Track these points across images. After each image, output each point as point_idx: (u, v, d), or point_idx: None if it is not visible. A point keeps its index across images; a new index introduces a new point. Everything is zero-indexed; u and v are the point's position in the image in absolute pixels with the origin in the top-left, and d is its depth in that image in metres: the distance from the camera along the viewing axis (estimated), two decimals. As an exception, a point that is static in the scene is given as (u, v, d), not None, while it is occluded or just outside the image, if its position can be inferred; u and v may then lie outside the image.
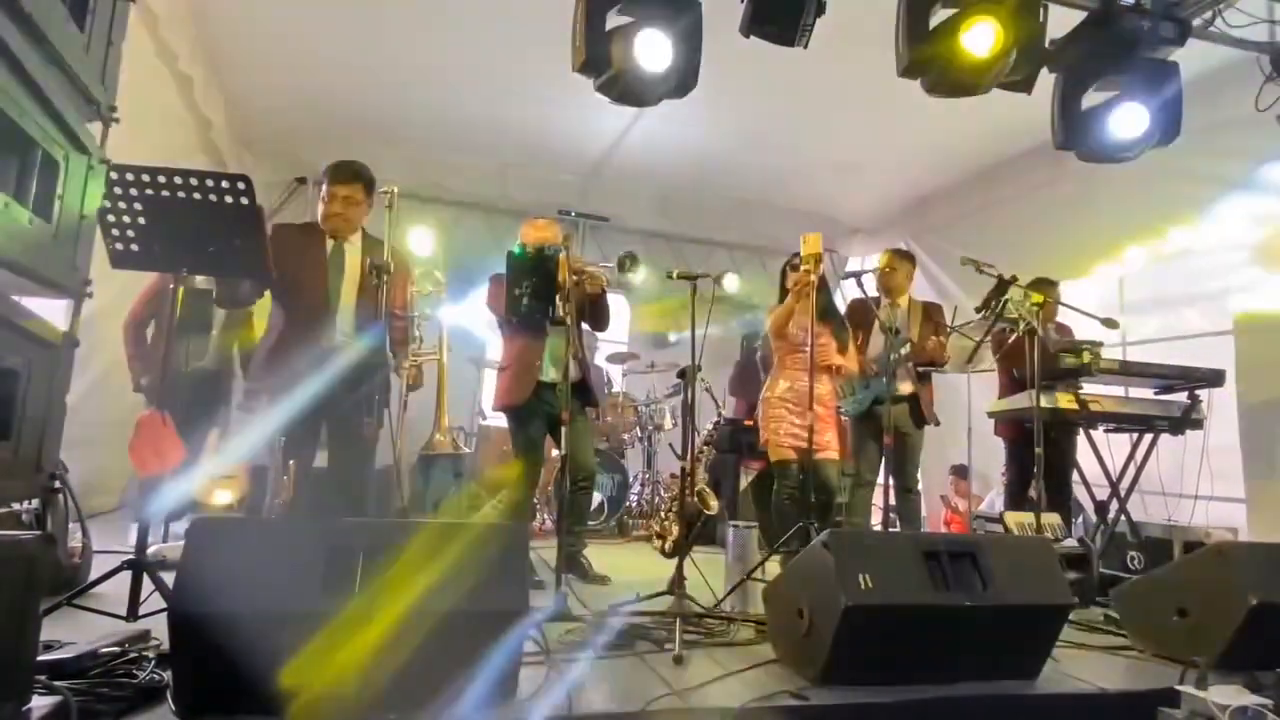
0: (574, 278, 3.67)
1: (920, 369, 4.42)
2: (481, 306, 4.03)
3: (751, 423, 6.06)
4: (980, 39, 3.01)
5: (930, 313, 4.61)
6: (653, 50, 2.94)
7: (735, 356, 7.38)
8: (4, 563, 1.37)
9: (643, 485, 6.39)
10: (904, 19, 3.01)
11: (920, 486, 4.58)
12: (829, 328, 3.99)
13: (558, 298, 3.34)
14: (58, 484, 1.56)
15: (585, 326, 3.97)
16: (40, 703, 1.51)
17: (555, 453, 4.81)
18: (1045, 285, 4.66)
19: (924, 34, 3.01)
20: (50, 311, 1.57)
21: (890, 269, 4.53)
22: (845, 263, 8.11)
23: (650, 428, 6.37)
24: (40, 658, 1.64)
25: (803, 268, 3.65)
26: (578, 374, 3.81)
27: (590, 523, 4.93)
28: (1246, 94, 3.89)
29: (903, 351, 4.23)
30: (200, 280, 3.90)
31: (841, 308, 4.55)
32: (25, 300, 1.45)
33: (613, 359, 6.80)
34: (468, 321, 6.59)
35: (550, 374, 3.78)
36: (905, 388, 4.34)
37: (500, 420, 6.08)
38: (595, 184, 7.34)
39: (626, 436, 6.42)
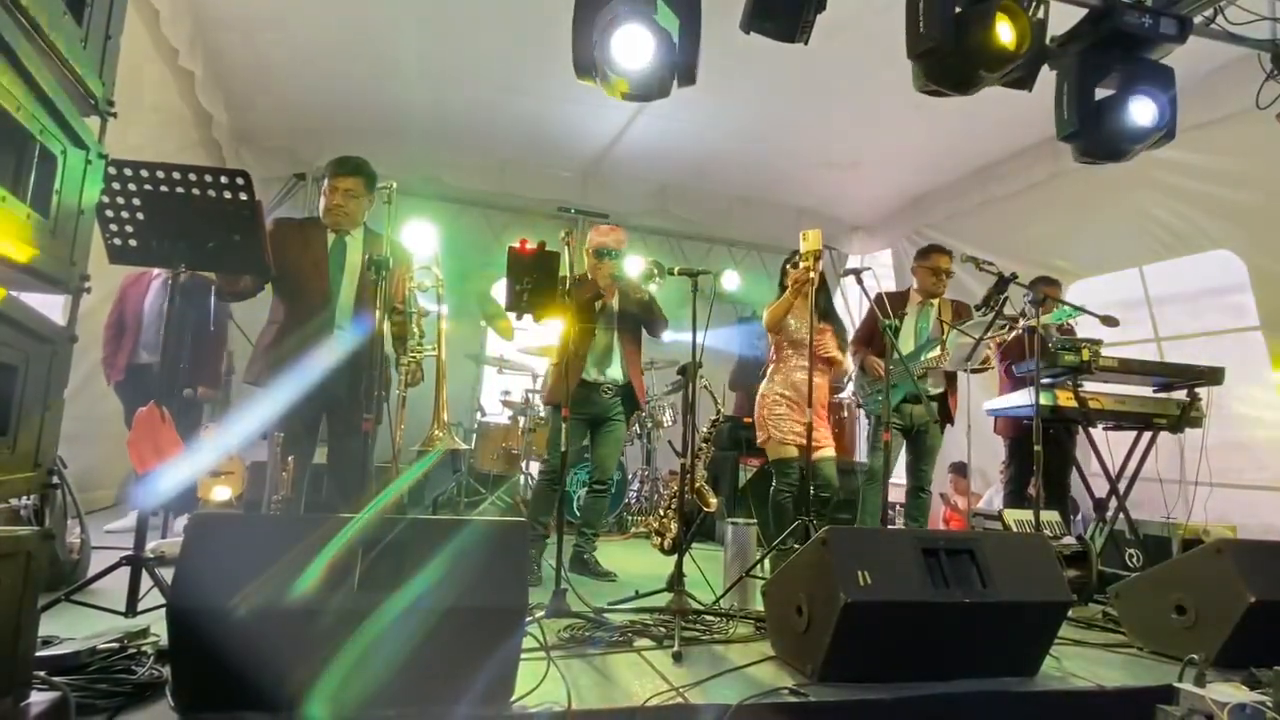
0: (615, 285, 3.76)
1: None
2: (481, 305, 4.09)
3: (751, 420, 6.06)
4: (1007, 33, 2.98)
5: (960, 312, 4.57)
6: (629, 47, 2.88)
7: (734, 354, 7.39)
8: (3, 558, 1.37)
9: (641, 482, 6.40)
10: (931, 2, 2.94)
11: (895, 480, 4.57)
12: (829, 327, 4.01)
13: (601, 302, 3.37)
14: (55, 479, 1.56)
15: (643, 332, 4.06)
16: (39, 698, 1.51)
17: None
18: (1047, 284, 4.66)
19: (950, 18, 2.93)
20: (46, 306, 1.56)
21: (950, 272, 4.50)
22: (845, 260, 8.11)
23: (649, 425, 6.37)
24: (38, 653, 1.64)
25: (802, 264, 3.66)
26: (624, 378, 3.87)
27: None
28: (1247, 91, 3.88)
29: (935, 353, 4.23)
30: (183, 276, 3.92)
31: (841, 305, 4.56)
32: (22, 295, 1.44)
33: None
34: (466, 317, 6.57)
35: (592, 374, 3.81)
36: (935, 387, 4.34)
37: (499, 417, 6.12)
38: (594, 180, 7.33)
39: (626, 433, 6.42)
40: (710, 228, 7.91)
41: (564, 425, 3.17)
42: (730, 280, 7.46)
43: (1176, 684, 2.07)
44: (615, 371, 3.91)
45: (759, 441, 4.09)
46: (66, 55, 1.39)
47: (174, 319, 2.70)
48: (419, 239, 6.05)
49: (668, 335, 4.03)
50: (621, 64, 2.89)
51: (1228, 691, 1.94)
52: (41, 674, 1.60)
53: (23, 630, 1.44)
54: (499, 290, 5.09)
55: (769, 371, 4.13)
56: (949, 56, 2.96)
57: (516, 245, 3.18)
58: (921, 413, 4.30)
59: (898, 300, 4.48)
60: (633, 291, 3.79)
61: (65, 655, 1.76)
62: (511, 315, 3.11)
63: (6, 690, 1.39)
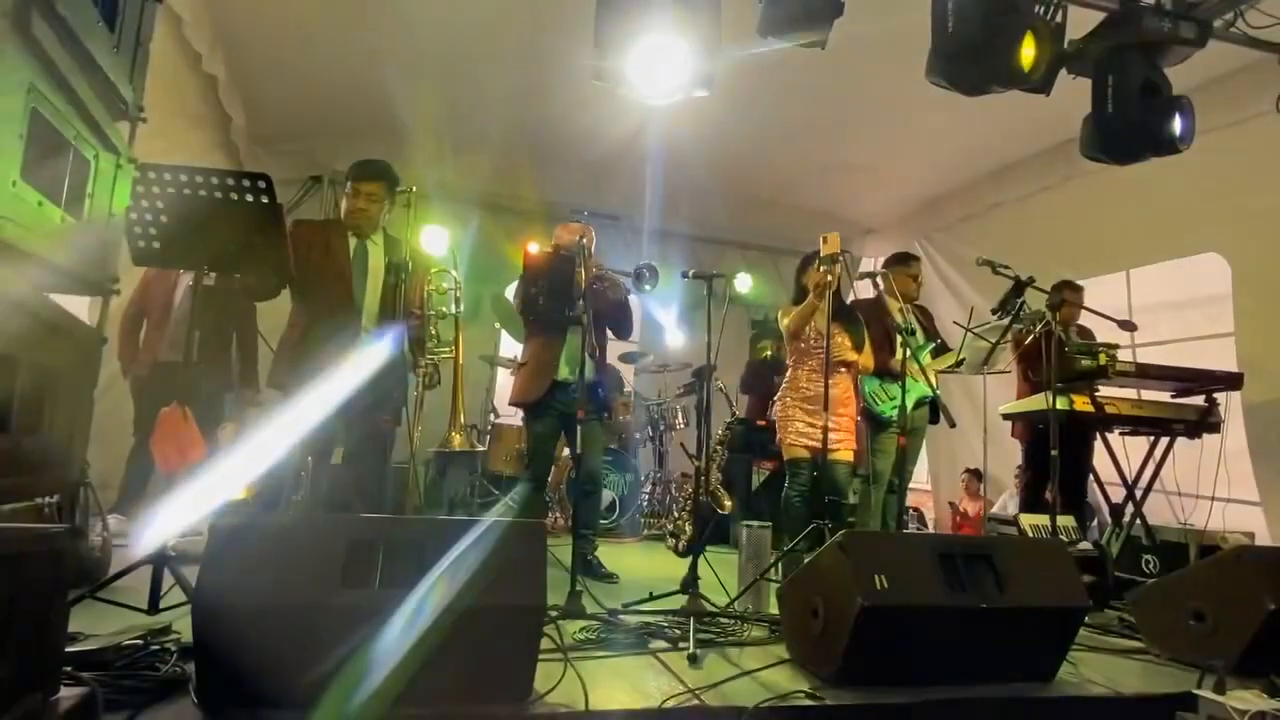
0: (594, 283, 3.72)
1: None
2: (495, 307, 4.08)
3: (765, 423, 6.06)
4: (1029, 53, 2.97)
5: (925, 313, 4.60)
6: (648, 54, 2.90)
7: (746, 356, 7.39)
8: (33, 555, 1.39)
9: (654, 485, 6.40)
10: None
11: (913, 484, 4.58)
12: (843, 326, 3.99)
13: (580, 299, 3.37)
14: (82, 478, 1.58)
15: (609, 333, 4.01)
16: (67, 693, 1.53)
17: (565, 452, 4.85)
18: (1069, 288, 4.63)
19: (981, 23, 2.90)
20: (70, 306, 1.59)
21: (921, 279, 4.55)
22: (859, 263, 8.08)
23: (662, 427, 6.38)
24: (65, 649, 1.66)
25: (822, 268, 3.65)
26: (594, 376, 3.85)
27: (602, 521, 4.97)
28: (1266, 95, 3.87)
29: (929, 351, 4.23)
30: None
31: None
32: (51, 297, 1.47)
33: (624, 358, 6.81)
34: (481, 320, 6.61)
35: (564, 373, 3.81)
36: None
37: (512, 418, 6.14)
38: (608, 183, 7.33)
39: (638, 436, 6.43)
40: (723, 230, 7.91)
41: (579, 429, 3.19)
42: (743, 283, 7.47)
43: (1196, 691, 2.06)
44: (587, 370, 3.87)
45: (779, 441, 4.08)
46: (100, 62, 1.42)
47: (198, 319, 2.72)
48: (433, 241, 6.10)
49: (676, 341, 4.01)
50: (640, 70, 2.91)
51: (1248, 699, 1.93)
52: (68, 670, 1.63)
53: (53, 626, 1.47)
54: (513, 292, 5.10)
55: (787, 375, 4.12)
56: (971, 61, 2.96)
57: (534, 249, 3.20)
58: (919, 416, 4.31)
59: (877, 307, 4.31)
60: (611, 288, 3.76)
61: (91, 651, 1.79)
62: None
63: (38, 685, 1.41)
